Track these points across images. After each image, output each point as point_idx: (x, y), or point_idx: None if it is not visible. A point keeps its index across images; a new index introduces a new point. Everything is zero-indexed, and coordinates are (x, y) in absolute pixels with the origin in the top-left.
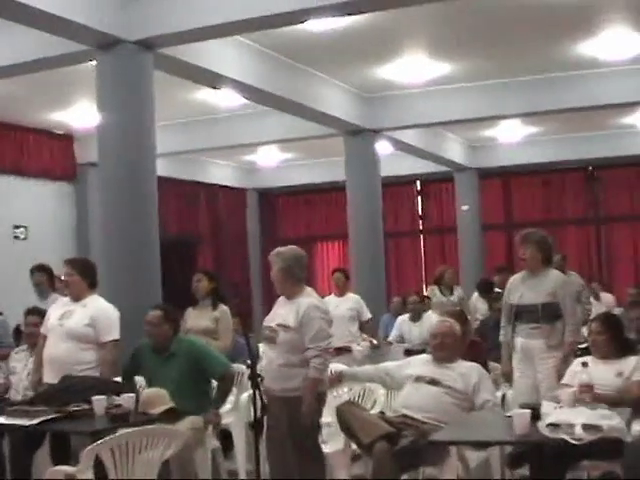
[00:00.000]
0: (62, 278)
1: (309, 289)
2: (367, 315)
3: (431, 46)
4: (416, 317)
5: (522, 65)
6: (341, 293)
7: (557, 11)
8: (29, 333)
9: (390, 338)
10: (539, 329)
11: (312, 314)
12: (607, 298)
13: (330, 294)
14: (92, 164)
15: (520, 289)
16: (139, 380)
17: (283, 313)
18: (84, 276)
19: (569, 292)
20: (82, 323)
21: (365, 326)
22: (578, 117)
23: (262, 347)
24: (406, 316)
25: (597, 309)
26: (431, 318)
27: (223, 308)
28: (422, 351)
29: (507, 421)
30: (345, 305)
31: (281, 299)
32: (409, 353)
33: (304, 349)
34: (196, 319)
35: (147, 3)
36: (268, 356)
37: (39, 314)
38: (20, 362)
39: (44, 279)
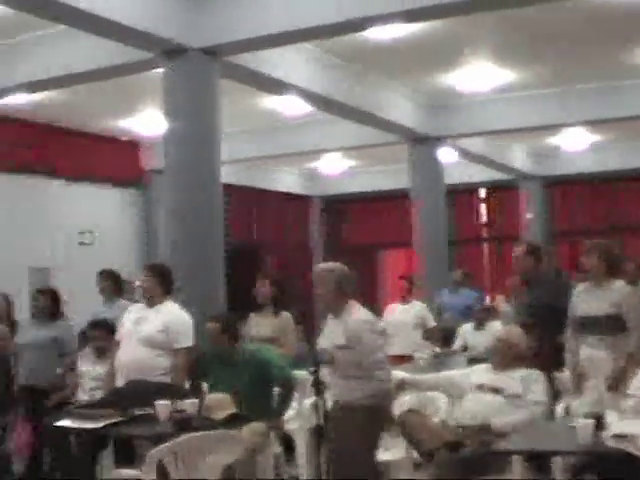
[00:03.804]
0: (137, 283)
1: (355, 304)
2: (432, 323)
3: (496, 53)
4: (480, 325)
5: (588, 72)
6: (406, 300)
7: (623, 17)
8: (95, 346)
9: (454, 347)
10: (603, 340)
11: (361, 328)
12: None
13: (395, 302)
14: (158, 171)
15: (585, 300)
16: (204, 385)
17: (335, 331)
18: (161, 282)
19: (634, 304)
20: (156, 329)
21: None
22: None
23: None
24: (470, 325)
25: None
26: (495, 326)
27: (286, 315)
28: (485, 360)
29: (571, 431)
30: (410, 313)
31: (329, 317)
32: (472, 362)
33: (362, 364)
34: (259, 327)
35: (213, 11)
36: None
37: (103, 327)
38: (86, 365)
39: (107, 285)
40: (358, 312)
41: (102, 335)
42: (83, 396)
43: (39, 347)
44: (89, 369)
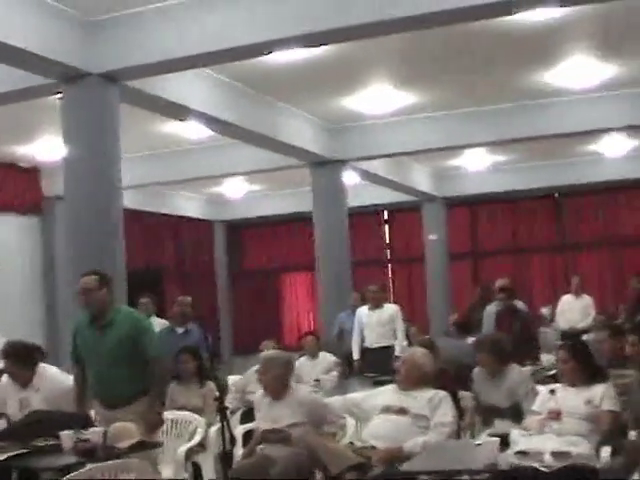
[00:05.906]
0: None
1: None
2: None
3: (396, 76)
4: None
5: (486, 94)
6: (313, 355)
7: (520, 40)
8: None
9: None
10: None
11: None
12: None
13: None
14: (58, 197)
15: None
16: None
17: (284, 412)
18: (22, 365)
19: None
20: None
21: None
22: (543, 145)
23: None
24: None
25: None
26: None
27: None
28: (391, 381)
29: (476, 449)
30: (320, 367)
31: (265, 400)
32: (378, 384)
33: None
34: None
35: (112, 36)
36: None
37: None
38: None
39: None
40: (302, 390)
41: None
42: None
43: None
44: None
